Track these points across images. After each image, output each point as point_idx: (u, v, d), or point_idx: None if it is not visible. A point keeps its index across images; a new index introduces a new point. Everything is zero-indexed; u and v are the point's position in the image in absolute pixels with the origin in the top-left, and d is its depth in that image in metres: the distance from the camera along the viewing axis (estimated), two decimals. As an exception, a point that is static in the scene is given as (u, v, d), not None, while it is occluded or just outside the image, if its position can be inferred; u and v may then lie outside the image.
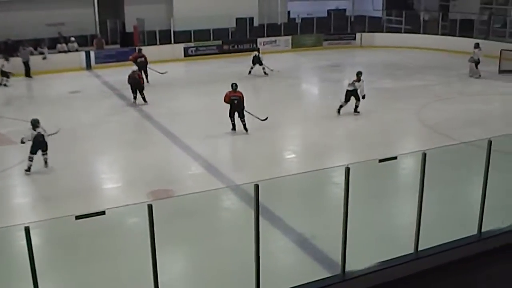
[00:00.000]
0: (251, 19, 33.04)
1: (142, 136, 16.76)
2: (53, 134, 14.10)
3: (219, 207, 11.23)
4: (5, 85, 23.86)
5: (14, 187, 13.21)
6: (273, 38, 32.72)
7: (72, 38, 28.75)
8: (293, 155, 15.30)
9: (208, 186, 11.86)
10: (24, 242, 5.93)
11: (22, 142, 13.37)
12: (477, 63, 24.13)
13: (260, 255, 6.83)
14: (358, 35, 34.44)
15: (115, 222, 9.58)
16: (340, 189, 7.41)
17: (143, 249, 6.56)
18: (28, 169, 13.27)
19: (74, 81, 24.85)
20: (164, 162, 14.30)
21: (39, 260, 6.10)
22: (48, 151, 13.55)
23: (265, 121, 16.50)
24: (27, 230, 5.95)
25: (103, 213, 6.43)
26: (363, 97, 18.17)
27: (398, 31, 34.39)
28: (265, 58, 25.27)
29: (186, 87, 23.41)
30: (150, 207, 6.36)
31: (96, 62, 27.91)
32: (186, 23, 29.99)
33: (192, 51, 29.88)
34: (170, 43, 29.84)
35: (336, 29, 35.10)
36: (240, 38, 31.71)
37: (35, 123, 13.41)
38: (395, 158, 7.94)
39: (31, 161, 13.26)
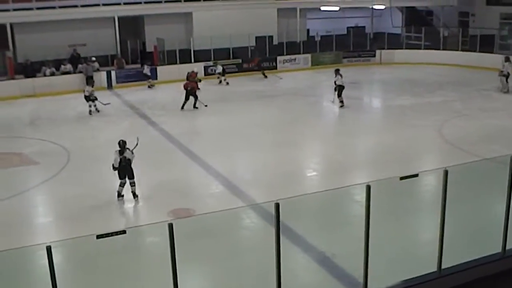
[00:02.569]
0: (271, 37, 33.20)
1: (162, 154, 16.77)
2: (136, 145, 13.51)
3: (240, 225, 11.22)
4: (96, 110, 22.75)
5: (36, 207, 13.32)
6: (292, 56, 32.84)
7: (93, 58, 29.10)
8: (313, 172, 15.25)
9: (228, 205, 11.83)
10: (46, 261, 5.97)
11: (114, 168, 12.90)
12: (507, 77, 24.10)
13: (281, 273, 6.79)
14: (377, 52, 34.40)
15: (136, 241, 9.61)
16: (361, 207, 7.37)
17: (164, 268, 6.57)
18: (119, 195, 12.93)
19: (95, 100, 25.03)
20: (184, 180, 14.31)
21: (60, 279, 6.13)
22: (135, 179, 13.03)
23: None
24: (48, 249, 6.01)
25: (123, 232, 6.57)
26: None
27: (417, 47, 34.27)
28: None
29: (206, 107, 23.43)
30: (170, 226, 6.40)
31: (117, 82, 28.21)
32: (206, 42, 30.25)
33: (212, 70, 30.04)
34: (190, 62, 30.03)
35: (355, 46, 35.10)
36: (259, 56, 31.80)
37: (121, 146, 12.88)
38: (416, 175, 7.87)
39: (122, 187, 12.93)
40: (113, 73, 28.57)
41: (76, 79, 27.93)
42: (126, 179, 12.88)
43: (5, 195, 13.45)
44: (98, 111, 22.51)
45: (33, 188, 14.24)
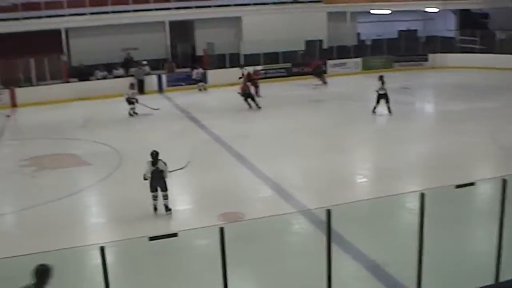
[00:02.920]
0: (321, 41, 33.07)
1: (211, 157, 16.81)
2: (184, 167, 13.07)
3: (289, 230, 11.12)
4: (135, 113, 23.15)
5: (89, 207, 13.53)
6: (342, 61, 32.60)
7: (144, 62, 29.55)
8: (363, 179, 15.02)
9: (277, 209, 11.72)
10: (98, 260, 6.04)
11: (145, 179, 12.29)
12: None
13: (331, 280, 6.68)
14: (430, 56, 33.74)
15: (186, 243, 9.63)
16: (413, 215, 7.19)
17: (213, 271, 6.56)
18: (155, 209, 12.30)
19: (146, 103, 25.34)
20: (233, 184, 14.29)
21: (113, 279, 6.19)
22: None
23: None
24: (102, 250, 6.08)
25: (175, 235, 6.50)
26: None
27: (472, 51, 33.44)
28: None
29: (256, 110, 23.48)
30: (221, 230, 6.37)
31: (168, 85, 28.51)
32: (255, 46, 30.32)
33: (261, 74, 30.03)
34: (239, 66, 30.12)
35: (407, 50, 34.54)
36: (309, 60, 31.66)
37: (154, 157, 12.28)
38: (472, 184, 7.64)
39: (156, 200, 12.26)
40: (163, 77, 28.94)
41: (128, 82, 28.36)
42: (159, 191, 12.27)
43: (59, 196, 13.65)
44: (136, 113, 22.86)
45: (86, 189, 14.45)
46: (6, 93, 27.31)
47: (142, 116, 23.18)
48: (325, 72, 30.00)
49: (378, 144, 18.31)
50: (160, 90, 28.80)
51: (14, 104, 27.20)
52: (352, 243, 10.08)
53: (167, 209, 12.19)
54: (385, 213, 10.89)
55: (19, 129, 23.87)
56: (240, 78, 25.95)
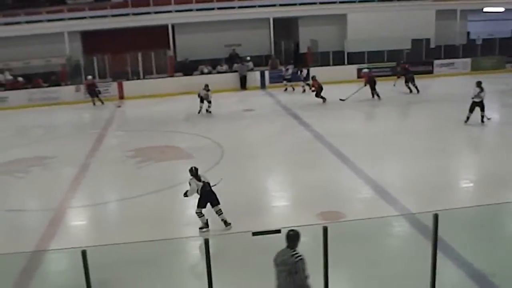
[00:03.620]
0: (428, 40, 32.01)
1: (312, 156, 16.61)
2: (215, 184, 11.36)
3: (390, 233, 10.81)
4: (207, 111, 23.24)
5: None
6: (450, 60, 31.39)
7: (248, 58, 29.85)
8: (469, 183, 14.33)
9: (378, 211, 11.51)
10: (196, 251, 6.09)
11: (185, 196, 11.25)
12: None
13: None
14: (547, 56, 31.80)
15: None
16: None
17: (312, 270, 6.45)
18: (204, 226, 11.12)
19: (248, 99, 25.64)
20: (333, 183, 14.01)
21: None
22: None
23: None
24: (206, 242, 6.25)
25: (278, 231, 6.60)
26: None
27: None
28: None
29: (358, 108, 23.10)
30: (325, 230, 6.34)
31: (270, 82, 28.63)
32: (359, 44, 29.84)
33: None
34: (343, 64, 29.81)
35: (520, 50, 32.78)
36: (415, 60, 30.77)
37: (196, 172, 11.05)
38: None
39: (202, 216, 11.10)
40: (266, 73, 29.11)
41: (231, 78, 28.84)
42: (207, 207, 11.09)
43: (163, 186, 13.92)
44: (207, 111, 22.95)
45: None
46: (114, 85, 28.50)
47: (244, 111, 23.54)
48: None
49: (485, 148, 17.48)
50: (263, 86, 28.98)
51: (121, 97, 28.34)
52: (457, 250, 9.61)
53: (226, 224, 11.03)
54: (493, 221, 10.34)
55: (126, 121, 24.72)
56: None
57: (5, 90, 28.54)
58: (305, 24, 32.01)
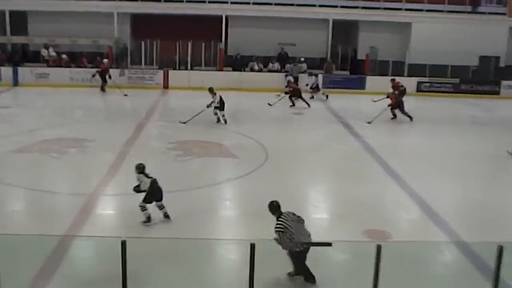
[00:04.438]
0: (497, 58, 29.88)
1: (360, 168, 15.38)
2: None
3: (439, 260, 9.87)
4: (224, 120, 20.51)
5: (225, 200, 12.93)
6: (520, 82, 29.06)
7: (302, 59, 28.50)
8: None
9: (426, 234, 10.90)
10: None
11: (137, 191, 10.80)
12: None
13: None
14: None
15: (322, 254, 8.79)
16: None
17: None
18: (147, 220, 10.72)
19: (298, 102, 24.26)
20: (380, 199, 12.75)
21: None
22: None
23: None
24: (252, 247, 6.38)
25: (329, 244, 6.94)
26: None
27: None
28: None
29: (415, 124, 21.41)
30: (378, 248, 6.29)
31: (323, 86, 27.01)
32: (422, 56, 28.01)
33: (425, 87, 27.78)
34: (402, 75, 27.95)
35: None
36: (481, 78, 28.69)
37: (143, 169, 10.83)
38: None
39: (146, 209, 10.74)
40: (320, 77, 27.52)
41: (282, 78, 27.48)
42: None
43: (202, 184, 13.26)
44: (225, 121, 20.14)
45: (227, 181, 13.83)
46: (160, 73, 27.50)
47: (292, 114, 22.46)
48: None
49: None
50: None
51: (165, 86, 27.31)
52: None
53: (166, 216, 10.94)
54: None
55: (169, 111, 23.99)
56: (286, 86, 24.76)
57: (48, 66, 27.73)
58: (366, 30, 30.27)
